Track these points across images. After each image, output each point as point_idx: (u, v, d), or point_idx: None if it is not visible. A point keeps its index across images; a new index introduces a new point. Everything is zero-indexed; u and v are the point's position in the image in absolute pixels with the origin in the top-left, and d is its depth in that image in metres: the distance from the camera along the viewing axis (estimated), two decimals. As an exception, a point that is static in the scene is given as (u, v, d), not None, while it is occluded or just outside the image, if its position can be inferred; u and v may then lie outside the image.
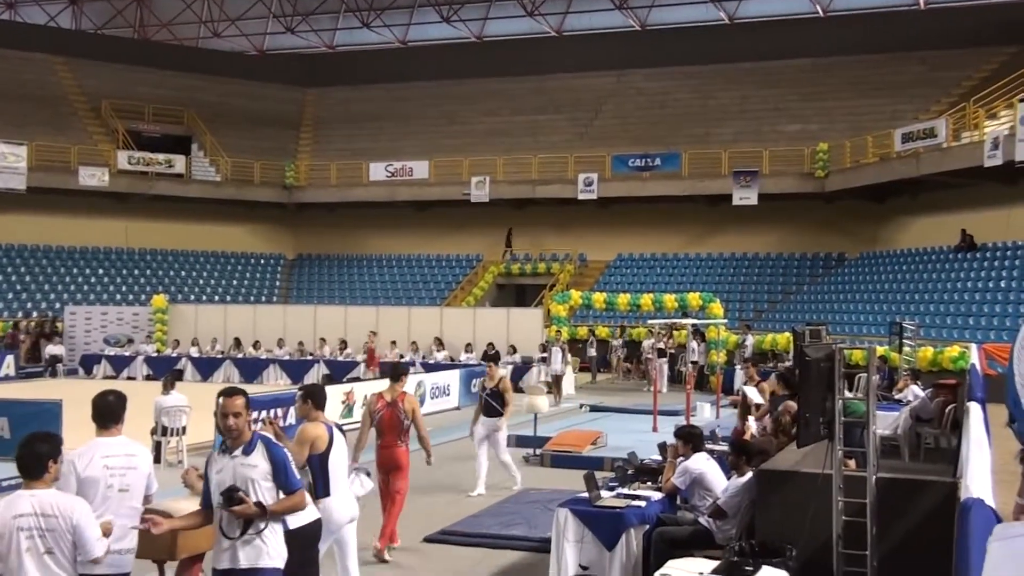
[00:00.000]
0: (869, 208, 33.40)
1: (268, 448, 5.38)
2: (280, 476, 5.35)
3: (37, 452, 4.93)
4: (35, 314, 33.18)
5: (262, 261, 41.19)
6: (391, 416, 9.33)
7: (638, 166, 36.20)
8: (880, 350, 19.15)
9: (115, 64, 42.43)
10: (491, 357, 14.12)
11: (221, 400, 5.37)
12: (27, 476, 4.90)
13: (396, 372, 9.79)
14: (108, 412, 5.65)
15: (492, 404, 12.33)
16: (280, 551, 5.38)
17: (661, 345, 25.30)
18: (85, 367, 28.66)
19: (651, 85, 41.23)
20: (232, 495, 5.18)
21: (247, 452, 5.36)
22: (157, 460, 13.39)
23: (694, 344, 24.02)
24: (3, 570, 4.69)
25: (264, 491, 5.30)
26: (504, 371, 14.24)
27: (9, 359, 27.66)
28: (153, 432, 13.92)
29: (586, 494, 8.26)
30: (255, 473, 5.29)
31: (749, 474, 7.84)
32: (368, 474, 7.97)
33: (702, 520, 8.01)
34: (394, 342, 27.16)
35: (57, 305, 33.52)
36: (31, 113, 37.53)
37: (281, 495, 5.37)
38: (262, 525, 5.30)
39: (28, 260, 36.37)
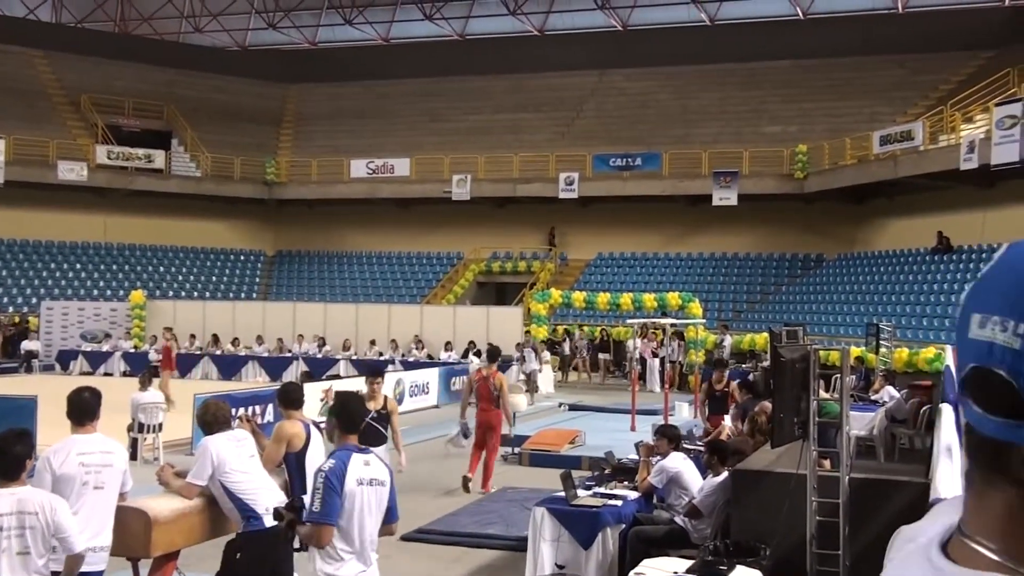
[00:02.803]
0: (847, 209, 33.63)
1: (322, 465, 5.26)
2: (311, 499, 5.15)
3: (14, 453, 4.86)
4: (11, 309, 32.92)
5: (242, 257, 41.02)
6: (485, 388, 12.15)
7: (619, 165, 36.28)
8: (856, 351, 19.29)
9: (95, 58, 42.14)
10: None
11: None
12: (4, 477, 4.85)
13: (493, 354, 13.31)
14: (84, 409, 5.64)
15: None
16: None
17: (654, 345, 25.38)
18: (61, 363, 28.46)
19: (632, 85, 41.34)
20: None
21: None
22: (134, 457, 13.33)
23: (674, 344, 24.15)
24: None
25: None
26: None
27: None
28: (130, 429, 13.86)
29: (563, 493, 8.30)
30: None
31: (725, 474, 7.90)
32: (466, 436, 11.99)
33: (678, 519, 8.06)
34: (373, 341, 27.12)
35: (33, 300, 33.28)
36: (9, 106, 37.21)
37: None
38: (312, 559, 5.08)
39: (5, 254, 36.07)
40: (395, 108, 42.92)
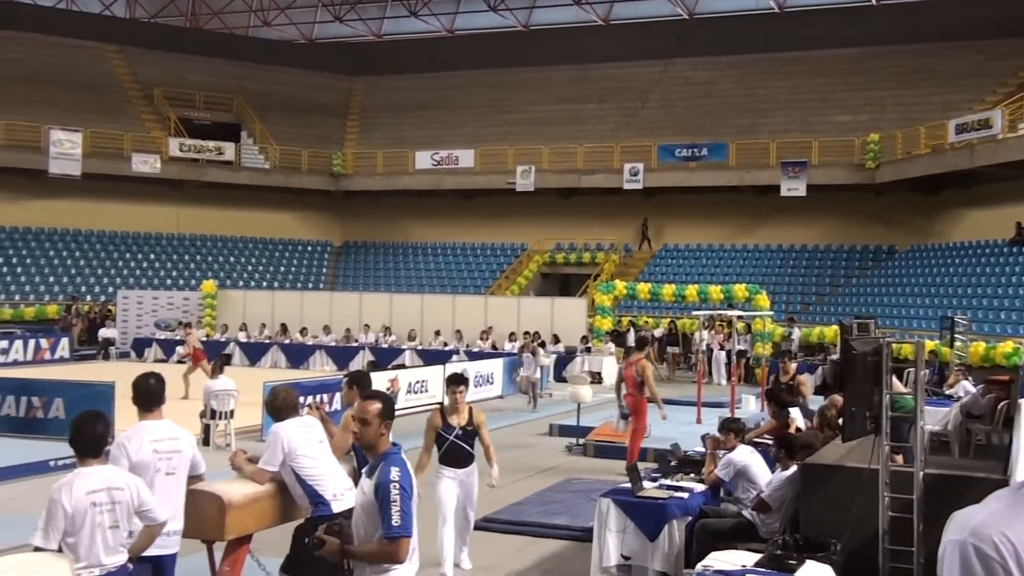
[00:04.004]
0: (920, 200, 32.88)
1: (381, 475, 4.37)
2: (381, 514, 4.34)
3: (96, 433, 5.07)
4: (89, 298, 33.81)
5: (309, 248, 41.57)
6: (630, 375, 12.59)
7: (684, 156, 35.95)
8: (930, 344, 18.89)
9: (167, 52, 42.96)
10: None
11: (358, 401, 4.73)
12: (89, 455, 5.03)
13: (641, 343, 14.79)
14: (150, 395, 5.76)
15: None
16: None
17: (720, 338, 25.15)
18: (136, 350, 29.16)
19: (698, 74, 40.90)
20: (314, 536, 4.49)
21: (369, 473, 4.47)
22: (206, 443, 13.64)
23: (741, 336, 23.91)
24: (73, 545, 4.83)
25: (366, 526, 4.42)
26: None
27: (64, 342, 28.24)
28: (202, 415, 14.15)
29: (629, 484, 8.27)
30: (363, 501, 4.42)
31: (794, 468, 7.79)
32: (624, 418, 12.65)
33: (745, 513, 7.99)
34: (438, 331, 27.28)
35: (110, 289, 34.13)
36: (86, 101, 38.15)
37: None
38: (353, 567, 4.48)
39: (83, 245, 37.06)
40: (459, 99, 43.05)
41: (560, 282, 37.74)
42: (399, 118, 43.34)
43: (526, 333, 24.49)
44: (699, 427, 14.97)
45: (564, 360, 24.85)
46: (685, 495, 8.21)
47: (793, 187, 32.72)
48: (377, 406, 4.52)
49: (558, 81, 42.20)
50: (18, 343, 26.96)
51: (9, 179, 34.85)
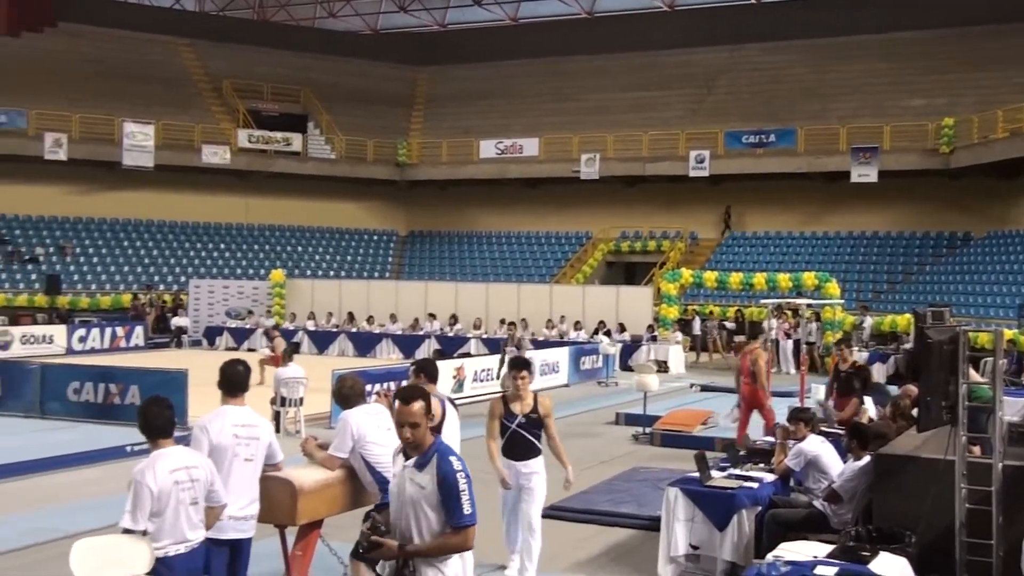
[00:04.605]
0: (998, 185, 31.96)
1: (440, 468, 4.36)
2: (447, 505, 4.34)
3: (165, 414, 5.25)
4: (162, 287, 34.57)
5: (375, 237, 41.95)
6: (745, 364, 12.96)
7: (752, 142, 35.48)
8: (1008, 333, 18.41)
9: (236, 45, 43.60)
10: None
11: (397, 403, 4.50)
12: (162, 435, 5.20)
13: (753, 333, 14.00)
14: (236, 381, 5.88)
15: None
16: None
17: (787, 327, 24.81)
18: (208, 338, 29.73)
19: (765, 59, 40.25)
20: (360, 545, 4.43)
21: (419, 466, 4.41)
22: (276, 430, 13.85)
23: (811, 325, 23.56)
24: (158, 524, 4.97)
25: (428, 518, 4.36)
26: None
27: (139, 330, 28.93)
28: (273, 402, 14.37)
29: (696, 474, 8.21)
30: (420, 495, 4.35)
31: (866, 458, 7.66)
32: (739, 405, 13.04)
33: (816, 503, 7.88)
34: (503, 319, 27.33)
35: (182, 279, 34.84)
36: (158, 93, 38.91)
37: (443, 529, 4.40)
38: (417, 567, 4.39)
39: (155, 235, 37.88)
40: (523, 88, 42.99)
41: (625, 271, 37.56)
42: (463, 107, 43.45)
43: (511, 324, 20.81)
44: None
45: (630, 349, 24.75)
46: (754, 485, 8.13)
47: (864, 173, 32.10)
48: (420, 404, 4.43)
49: (622, 68, 41.90)
50: (95, 331, 27.69)
51: (85, 171, 35.74)
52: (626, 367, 23.55)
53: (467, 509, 4.34)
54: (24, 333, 26.03)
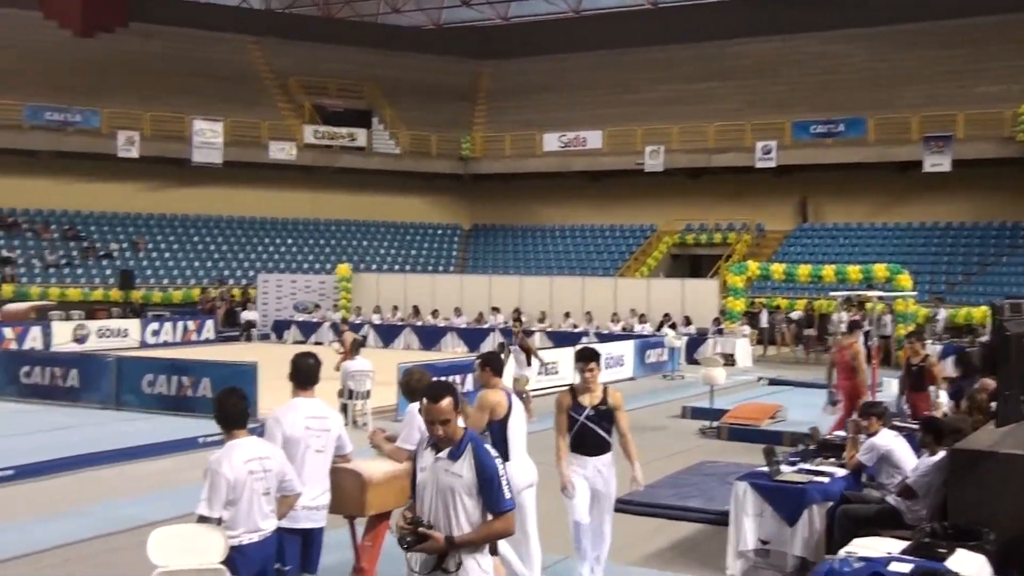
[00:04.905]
0: (1077, 174, 31.03)
1: (477, 456, 4.43)
2: (487, 492, 4.40)
3: (240, 405, 5.36)
4: (231, 281, 35.19)
5: (439, 231, 42.17)
6: (843, 359, 12.66)
7: (820, 132, 34.92)
8: (1088, 326, 17.83)
9: (301, 42, 44.12)
10: None
11: (425, 402, 4.49)
12: (237, 426, 5.29)
13: (853, 326, 14.38)
14: (308, 373, 5.96)
15: None
16: None
17: (856, 318, 24.35)
18: (276, 332, 30.19)
19: (833, 48, 39.51)
20: (407, 537, 4.36)
21: (454, 456, 4.45)
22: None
23: (885, 318, 23.12)
24: (233, 513, 5.06)
25: (466, 507, 4.42)
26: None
27: (209, 324, 29.51)
28: (340, 395, 14.54)
29: (765, 468, 8.10)
30: (458, 484, 4.40)
31: (941, 453, 7.49)
32: (833, 404, 12.63)
33: (890, 499, 7.73)
34: (567, 313, 27.30)
35: (251, 273, 35.43)
36: (226, 91, 39.57)
37: (481, 516, 4.45)
38: (461, 559, 4.41)
39: (224, 231, 38.57)
40: (586, 80, 42.81)
41: (690, 263, 37.25)
42: (526, 100, 43.43)
43: (517, 320, 19.17)
44: (838, 411, 14.54)
45: (695, 342, 24.55)
46: (825, 480, 8.00)
47: (937, 162, 31.38)
48: (448, 400, 4.44)
49: (687, 59, 41.51)
50: (167, 325, 28.30)
51: (156, 168, 36.52)
52: (692, 360, 23.37)
53: (507, 494, 4.44)
54: (100, 327, 26.69)
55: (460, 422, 4.56)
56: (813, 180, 35.44)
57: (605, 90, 41.98)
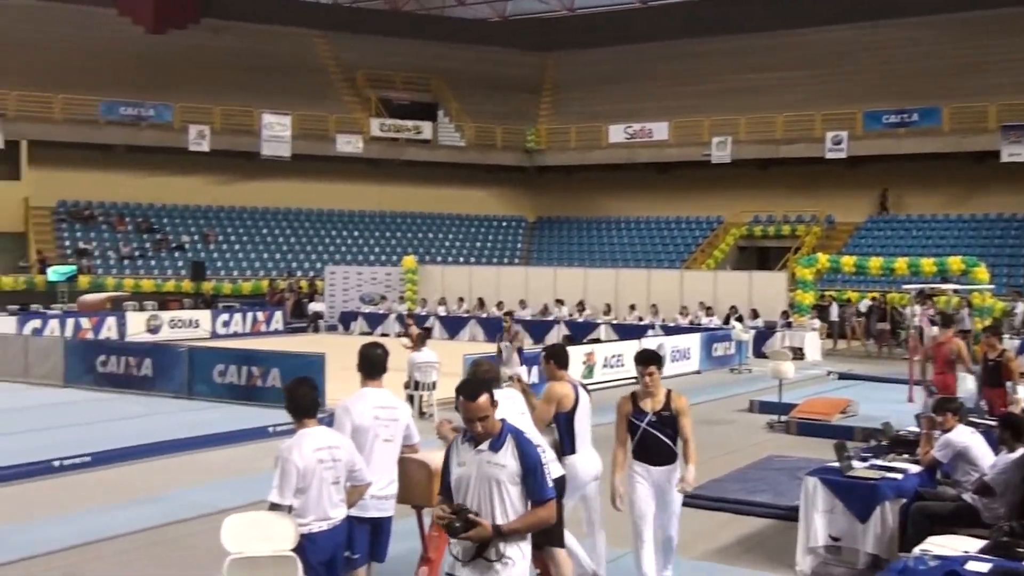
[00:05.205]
0: None
1: (520, 446, 4.51)
2: (531, 481, 4.47)
3: (312, 395, 5.42)
4: (299, 273, 35.67)
5: (504, 224, 42.23)
6: (943, 352, 12.42)
7: (893, 122, 34.20)
8: None
9: (368, 36, 44.49)
10: None
11: (461, 400, 4.51)
12: (307, 415, 5.35)
13: (947, 321, 13.67)
14: (375, 364, 6.01)
15: None
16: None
17: (931, 312, 23.84)
18: (343, 323, 30.52)
19: (906, 36, 38.65)
20: (455, 523, 4.39)
21: (495, 448, 4.50)
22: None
23: (962, 312, 22.60)
24: (303, 501, 5.14)
25: (511, 496, 4.46)
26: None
27: (278, 315, 29.96)
28: (406, 386, 14.64)
29: (836, 463, 7.96)
30: (503, 474, 4.45)
31: (1021, 450, 7.28)
32: (931, 395, 11.85)
33: (966, 496, 7.54)
34: (632, 305, 27.14)
35: (318, 265, 35.88)
36: (294, 85, 40.08)
37: (524, 505, 4.50)
38: (503, 548, 4.44)
39: (293, 223, 39.10)
40: (652, 71, 42.48)
41: (758, 255, 36.78)
42: (592, 92, 43.25)
43: (507, 314, 18.25)
44: (911, 406, 14.25)
45: (763, 335, 24.22)
46: (898, 476, 7.83)
47: (1015, 152, 30.58)
48: (485, 397, 4.48)
49: (754, 48, 40.94)
50: (237, 316, 28.79)
51: (226, 161, 37.17)
52: (759, 354, 23.08)
53: (549, 483, 4.54)
54: (172, 317, 27.26)
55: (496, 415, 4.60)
56: (891, 171, 34.75)
57: (671, 81, 41.61)
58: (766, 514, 9.36)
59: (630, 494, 6.75)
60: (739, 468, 11.24)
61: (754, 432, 14.05)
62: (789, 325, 24.78)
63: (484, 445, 4.50)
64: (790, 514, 8.52)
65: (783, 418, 14.25)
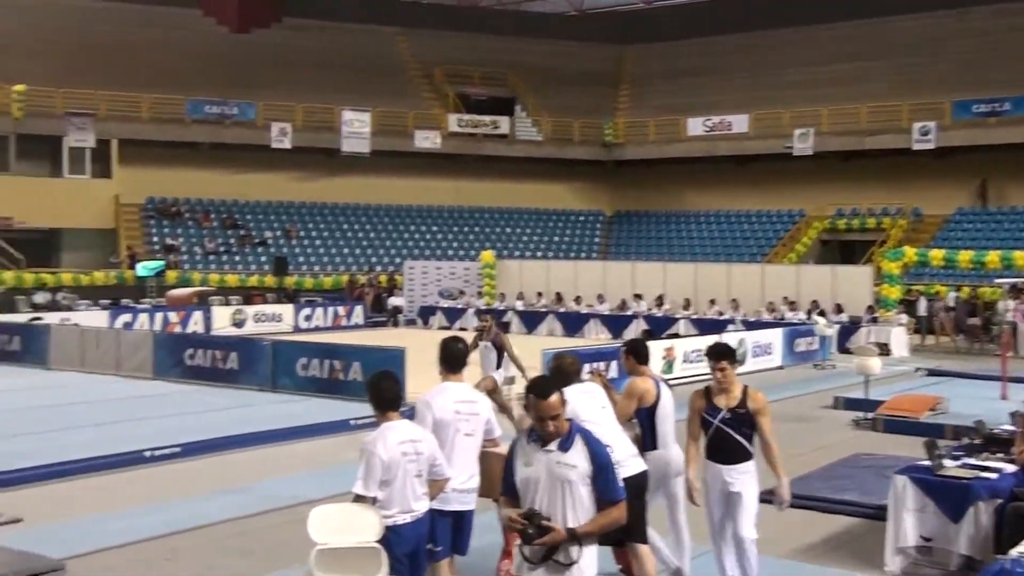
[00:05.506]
0: None
1: (590, 445, 4.45)
2: (602, 481, 4.41)
3: (397, 388, 5.48)
4: (379, 268, 36.08)
5: (581, 218, 42.12)
6: None
7: (983, 112, 33.23)
8: None
9: (446, 32, 44.73)
10: None
11: (532, 398, 4.46)
12: (390, 408, 5.40)
13: None
14: (457, 358, 6.04)
15: None
16: None
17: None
18: (422, 318, 30.78)
19: (999, 23, 37.41)
20: (529, 529, 4.30)
21: (564, 448, 4.43)
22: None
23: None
24: (387, 493, 5.19)
25: (580, 496, 4.40)
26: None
27: (358, 309, 30.35)
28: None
29: (927, 462, 7.75)
30: (573, 474, 4.38)
31: (1125, 450, 7.00)
32: None
33: (1067, 498, 7.28)
34: (712, 300, 26.84)
35: (398, 260, 36.24)
36: (374, 82, 40.51)
37: (592, 506, 4.43)
38: (574, 552, 4.37)
39: (372, 218, 39.57)
40: (731, 63, 41.89)
41: (841, 249, 36.07)
42: (670, 85, 42.84)
43: (486, 314, 16.37)
44: (1005, 403, 13.81)
45: (848, 331, 23.73)
46: (993, 475, 7.59)
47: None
48: (556, 396, 4.43)
49: (836, 37, 40.08)
50: (319, 310, 29.24)
51: (307, 158, 37.77)
52: (844, 350, 22.61)
53: (620, 483, 4.52)
54: (256, 312, 27.81)
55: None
56: (985, 161, 33.74)
57: (751, 72, 41.00)
58: (853, 512, 9.17)
59: (705, 494, 6.57)
60: (824, 465, 11.02)
61: (839, 429, 13.78)
62: (875, 320, 24.25)
63: (553, 445, 4.42)
64: (878, 513, 8.33)
65: (869, 415, 13.93)
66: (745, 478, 6.41)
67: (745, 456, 6.41)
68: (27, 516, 8.82)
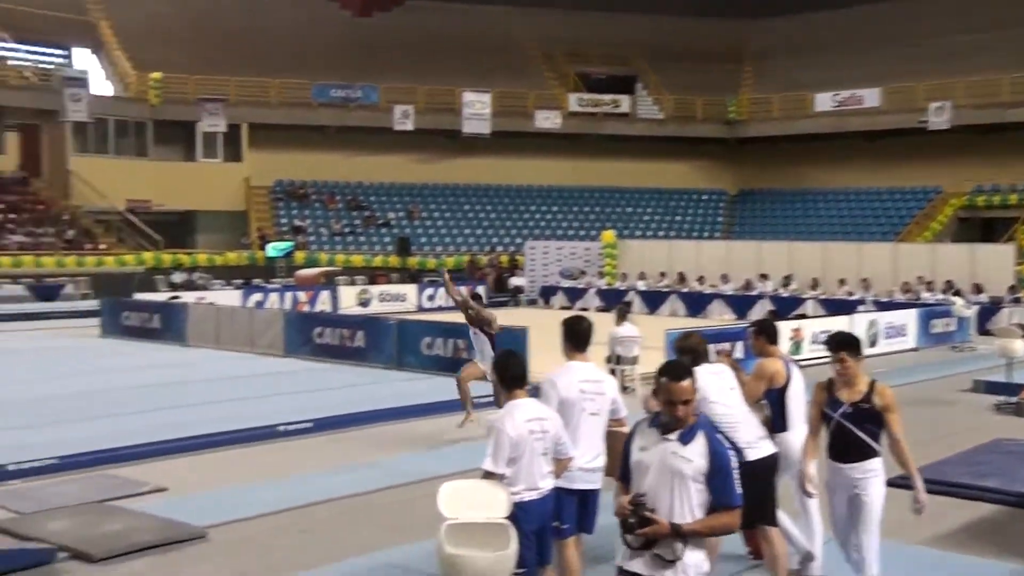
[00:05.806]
0: None
1: (711, 444, 4.22)
2: (719, 484, 4.18)
3: (523, 366, 5.51)
4: (500, 248, 36.31)
5: (704, 197, 41.46)
6: None
7: None
8: None
9: (565, 11, 44.51)
10: None
11: (665, 381, 4.25)
12: (517, 386, 5.44)
13: None
14: (582, 337, 6.00)
15: None
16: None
17: None
18: (543, 297, 30.83)
19: None
20: (630, 518, 4.15)
21: (685, 440, 4.21)
22: (613, 387, 14.07)
23: None
24: (514, 470, 5.23)
25: (691, 493, 4.17)
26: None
27: (480, 289, 30.54)
28: (608, 360, 14.63)
29: (1079, 449, 7.35)
30: (687, 469, 4.17)
31: None
32: None
33: None
34: (842, 280, 26.08)
35: (519, 240, 36.40)
36: (494, 63, 40.70)
37: (701, 505, 4.21)
38: (680, 550, 4.15)
39: (493, 199, 39.83)
40: (861, 36, 40.47)
41: (981, 226, 34.54)
42: (795, 59, 41.68)
43: (474, 296, 13.76)
44: None
45: (989, 311, 22.72)
46: None
47: None
48: (689, 380, 4.23)
49: (974, 5, 38.25)
50: (441, 290, 29.55)
51: (429, 140, 38.25)
52: (984, 331, 21.65)
53: (738, 489, 4.21)
54: (381, 291, 28.36)
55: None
56: None
57: (882, 44, 39.52)
58: (996, 499, 8.79)
59: (828, 497, 6.14)
60: (964, 450, 10.59)
61: (979, 414, 13.22)
62: (1017, 300, 23.17)
63: (673, 435, 4.22)
64: (1022, 501, 7.95)
65: (1012, 399, 13.32)
66: (869, 479, 5.90)
67: (868, 453, 5.89)
68: (171, 486, 9.21)
